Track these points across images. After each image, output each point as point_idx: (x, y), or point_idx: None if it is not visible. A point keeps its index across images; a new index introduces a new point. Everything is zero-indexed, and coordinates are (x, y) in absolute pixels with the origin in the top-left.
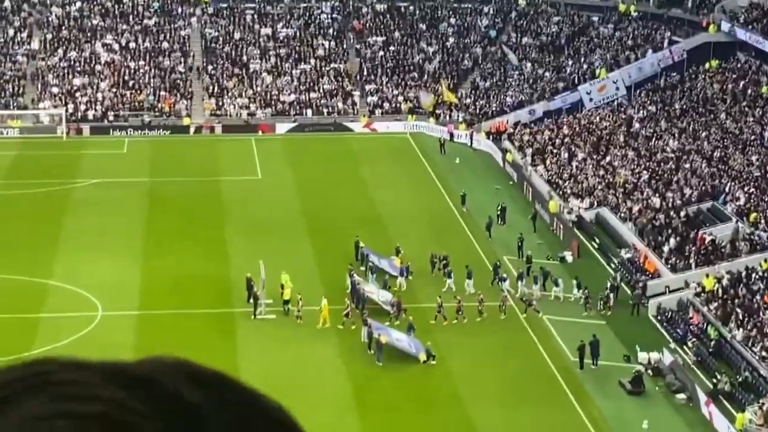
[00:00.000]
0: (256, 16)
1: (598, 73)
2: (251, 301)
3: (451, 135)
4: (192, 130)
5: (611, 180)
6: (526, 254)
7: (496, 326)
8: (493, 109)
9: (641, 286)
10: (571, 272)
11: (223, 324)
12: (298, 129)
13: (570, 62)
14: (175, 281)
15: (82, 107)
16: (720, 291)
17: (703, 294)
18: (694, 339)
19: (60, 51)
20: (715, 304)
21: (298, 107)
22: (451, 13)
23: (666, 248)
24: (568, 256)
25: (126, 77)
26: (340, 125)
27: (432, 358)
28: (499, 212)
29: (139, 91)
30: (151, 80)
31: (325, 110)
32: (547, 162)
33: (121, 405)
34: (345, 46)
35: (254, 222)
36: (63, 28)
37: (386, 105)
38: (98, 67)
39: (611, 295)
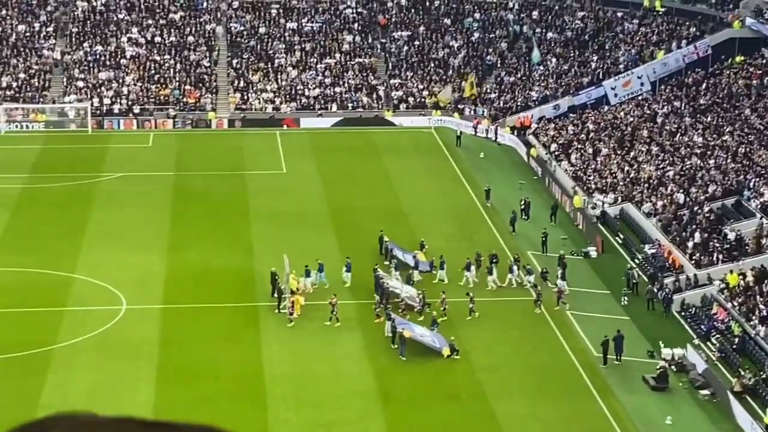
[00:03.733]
0: (281, 10)
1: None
2: (275, 295)
3: (476, 130)
4: (216, 124)
5: (636, 175)
6: (559, 253)
7: (519, 321)
8: (518, 103)
9: (658, 281)
10: (595, 267)
11: (247, 318)
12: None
13: (595, 57)
14: (200, 275)
15: (107, 101)
16: (744, 287)
17: (726, 290)
18: (717, 335)
19: (86, 45)
20: (739, 300)
21: (323, 101)
22: (475, 7)
23: (690, 244)
24: (592, 252)
25: (151, 71)
26: (375, 119)
27: (456, 352)
28: (523, 207)
29: (164, 86)
30: (177, 74)
31: (349, 105)
32: (572, 157)
33: None
34: (370, 40)
35: (279, 216)
36: (88, 22)
37: (411, 99)
38: (123, 61)
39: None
